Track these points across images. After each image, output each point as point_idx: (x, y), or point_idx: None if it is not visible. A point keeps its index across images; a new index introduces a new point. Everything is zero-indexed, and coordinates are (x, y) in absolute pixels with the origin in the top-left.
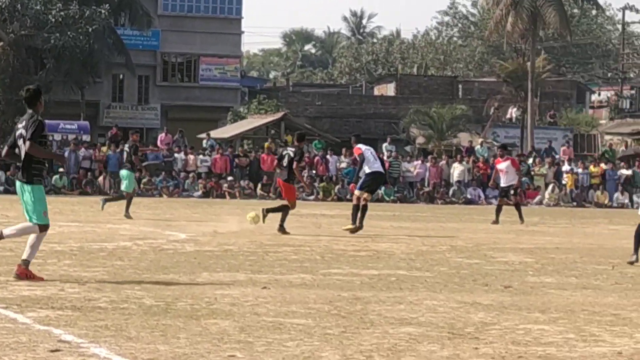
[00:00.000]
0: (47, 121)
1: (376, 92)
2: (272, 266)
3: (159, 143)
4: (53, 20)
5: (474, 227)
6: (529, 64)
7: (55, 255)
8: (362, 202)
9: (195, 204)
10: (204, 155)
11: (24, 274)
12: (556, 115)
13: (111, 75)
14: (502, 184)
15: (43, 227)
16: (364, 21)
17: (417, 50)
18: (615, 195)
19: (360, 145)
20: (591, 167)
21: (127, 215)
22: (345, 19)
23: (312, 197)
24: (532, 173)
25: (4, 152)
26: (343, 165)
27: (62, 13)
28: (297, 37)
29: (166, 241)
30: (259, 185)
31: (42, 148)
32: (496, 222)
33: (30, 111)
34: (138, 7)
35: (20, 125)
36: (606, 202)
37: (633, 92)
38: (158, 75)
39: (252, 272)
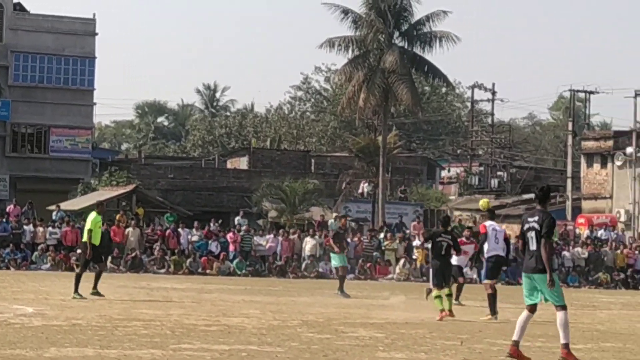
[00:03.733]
0: None
1: (229, 165)
2: (122, 341)
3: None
4: None
5: (325, 301)
6: (380, 139)
7: None
8: (488, 291)
9: (43, 276)
10: (53, 227)
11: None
12: (407, 191)
13: None
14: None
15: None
16: (218, 94)
17: (270, 124)
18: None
19: (487, 224)
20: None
21: None
22: (198, 91)
23: (163, 271)
24: (383, 248)
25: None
26: (194, 238)
27: None
28: (150, 109)
29: (13, 315)
30: (109, 258)
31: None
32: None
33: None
34: None
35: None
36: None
37: (481, 168)
38: (7, 146)
39: (101, 347)
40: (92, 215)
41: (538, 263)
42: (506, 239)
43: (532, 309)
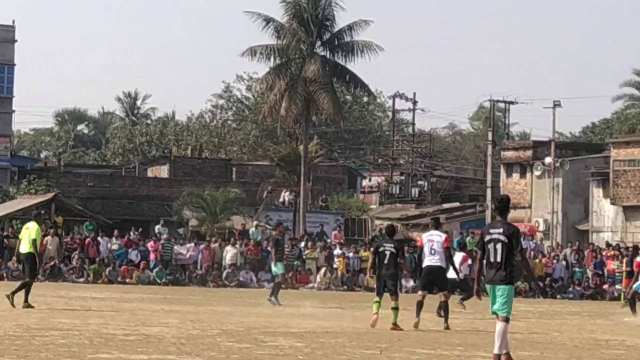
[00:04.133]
0: None
1: (149, 173)
2: (39, 351)
3: None
4: None
5: (245, 310)
6: (301, 148)
7: None
8: (418, 299)
9: None
10: None
11: None
12: (328, 200)
13: None
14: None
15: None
16: (139, 102)
17: (191, 132)
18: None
19: (424, 235)
20: (362, 252)
21: None
22: (119, 99)
23: (82, 280)
24: (304, 257)
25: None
26: (114, 247)
27: None
28: (70, 117)
29: None
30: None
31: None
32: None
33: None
34: None
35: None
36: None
37: (402, 178)
38: None
39: (18, 357)
40: (34, 225)
41: (503, 274)
42: (447, 248)
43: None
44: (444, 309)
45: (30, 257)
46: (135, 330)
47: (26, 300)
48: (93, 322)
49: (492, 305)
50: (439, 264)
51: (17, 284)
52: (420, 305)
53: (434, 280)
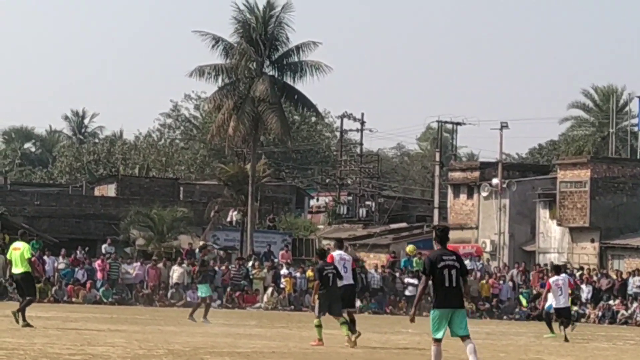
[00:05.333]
0: None
1: (97, 192)
2: None
3: None
4: None
5: (192, 330)
6: (249, 167)
7: None
8: (350, 317)
9: None
10: None
11: None
12: (275, 220)
13: None
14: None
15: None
16: (86, 121)
17: (139, 151)
18: None
19: (334, 253)
20: (309, 272)
21: None
22: (66, 118)
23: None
24: (251, 276)
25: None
26: (61, 266)
27: None
28: (17, 135)
29: None
30: None
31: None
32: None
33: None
34: None
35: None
36: None
37: (350, 198)
38: None
39: None
40: (25, 245)
41: (460, 299)
42: (353, 269)
43: (441, 341)
44: (351, 323)
45: (26, 276)
46: (81, 350)
47: (24, 319)
48: (39, 341)
49: (440, 329)
50: (352, 282)
51: None
52: (352, 322)
53: (347, 297)
